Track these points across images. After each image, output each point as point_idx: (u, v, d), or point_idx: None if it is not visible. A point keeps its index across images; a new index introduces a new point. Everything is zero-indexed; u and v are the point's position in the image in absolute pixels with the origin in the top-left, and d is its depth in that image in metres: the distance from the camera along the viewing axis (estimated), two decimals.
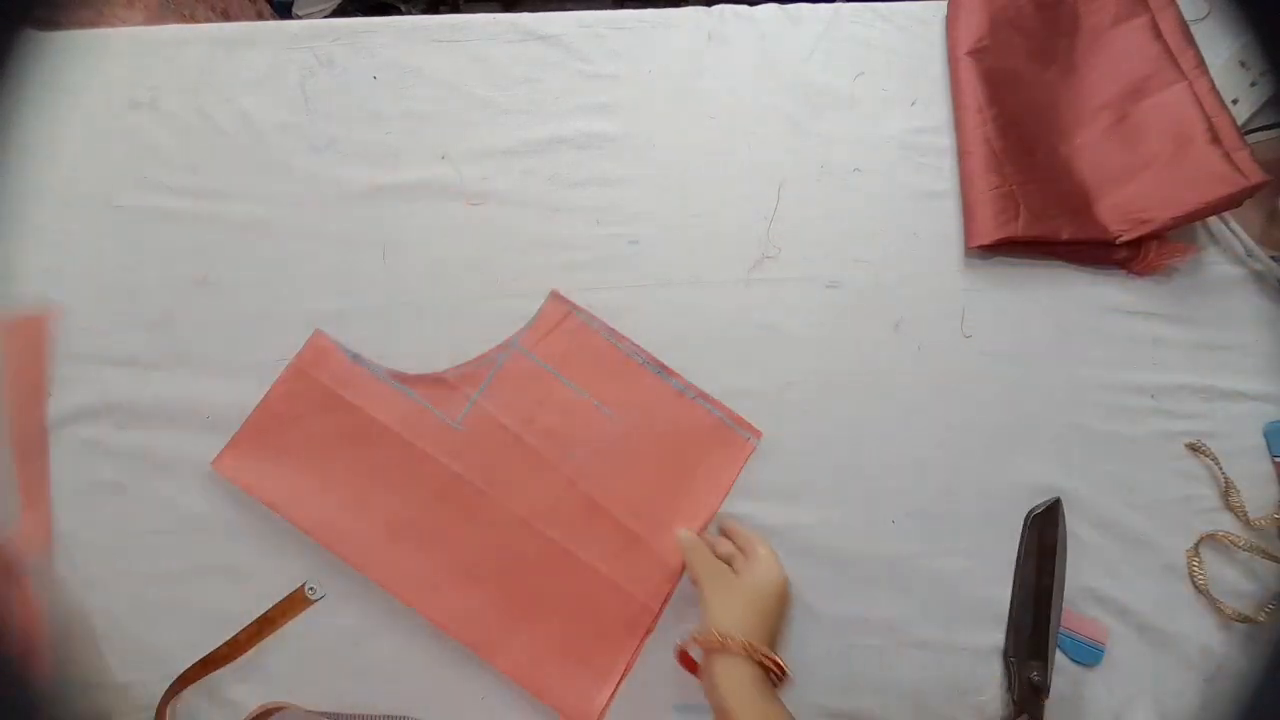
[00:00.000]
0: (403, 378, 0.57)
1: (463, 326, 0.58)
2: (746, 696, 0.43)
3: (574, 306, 0.59)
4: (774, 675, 0.46)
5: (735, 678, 0.44)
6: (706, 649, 0.46)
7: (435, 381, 0.57)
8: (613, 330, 0.58)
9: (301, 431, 0.56)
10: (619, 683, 0.53)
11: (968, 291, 0.60)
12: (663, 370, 0.58)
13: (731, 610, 0.47)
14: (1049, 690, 0.52)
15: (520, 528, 0.54)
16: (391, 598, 0.53)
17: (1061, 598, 0.55)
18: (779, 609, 0.49)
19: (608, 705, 0.52)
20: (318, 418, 0.56)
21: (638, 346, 0.58)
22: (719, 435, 0.57)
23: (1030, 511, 0.56)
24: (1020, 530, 0.56)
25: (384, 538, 0.54)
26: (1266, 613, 0.55)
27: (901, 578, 0.56)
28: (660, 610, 0.53)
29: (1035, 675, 0.53)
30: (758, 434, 0.57)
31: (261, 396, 0.56)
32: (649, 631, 0.53)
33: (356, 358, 0.57)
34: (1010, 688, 0.53)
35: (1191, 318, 0.60)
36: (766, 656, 0.45)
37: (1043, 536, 0.55)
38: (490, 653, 0.53)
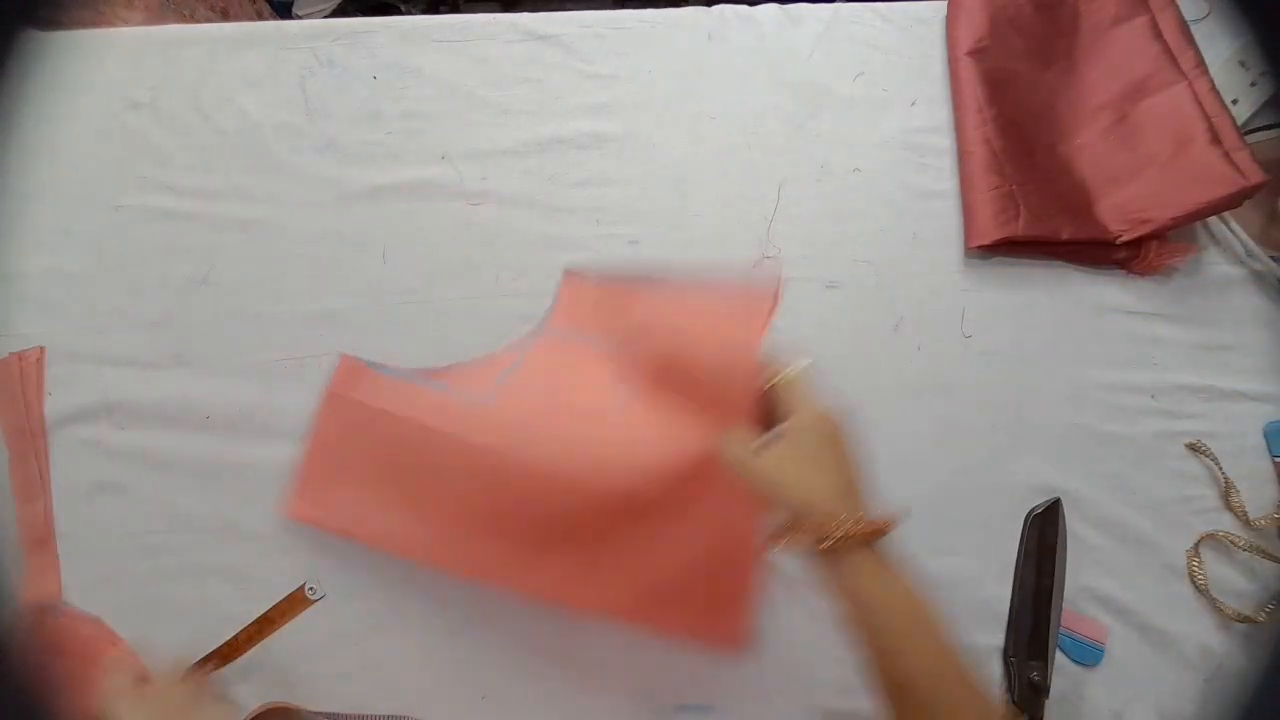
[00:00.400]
0: (435, 373, 0.56)
1: (463, 326, 0.58)
2: (877, 596, 0.37)
3: (586, 275, 0.58)
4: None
5: (854, 581, 0.37)
6: (806, 552, 0.38)
7: (467, 370, 0.56)
8: (632, 275, 0.55)
9: (354, 455, 0.55)
10: (752, 602, 0.52)
11: (968, 291, 0.60)
12: (673, 278, 0.55)
13: (790, 485, 0.38)
14: (1049, 690, 0.52)
15: (592, 487, 0.50)
16: (395, 597, 0.53)
17: (1061, 597, 0.55)
18: (835, 448, 0.40)
19: (749, 627, 0.52)
20: (366, 437, 0.55)
21: (651, 273, 0.54)
22: (740, 307, 0.50)
23: (1030, 511, 0.56)
24: (1020, 530, 0.56)
25: (463, 534, 0.53)
26: (1266, 613, 0.55)
27: None
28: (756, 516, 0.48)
29: (1035, 675, 0.53)
30: (774, 286, 0.49)
31: (260, 392, 0.56)
32: (756, 547, 0.51)
33: (381, 367, 0.56)
34: (1010, 687, 0.53)
35: (1191, 318, 0.60)
36: (866, 528, 0.37)
37: (1043, 536, 0.55)
38: (612, 611, 0.52)
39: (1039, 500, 0.57)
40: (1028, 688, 0.53)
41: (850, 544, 0.37)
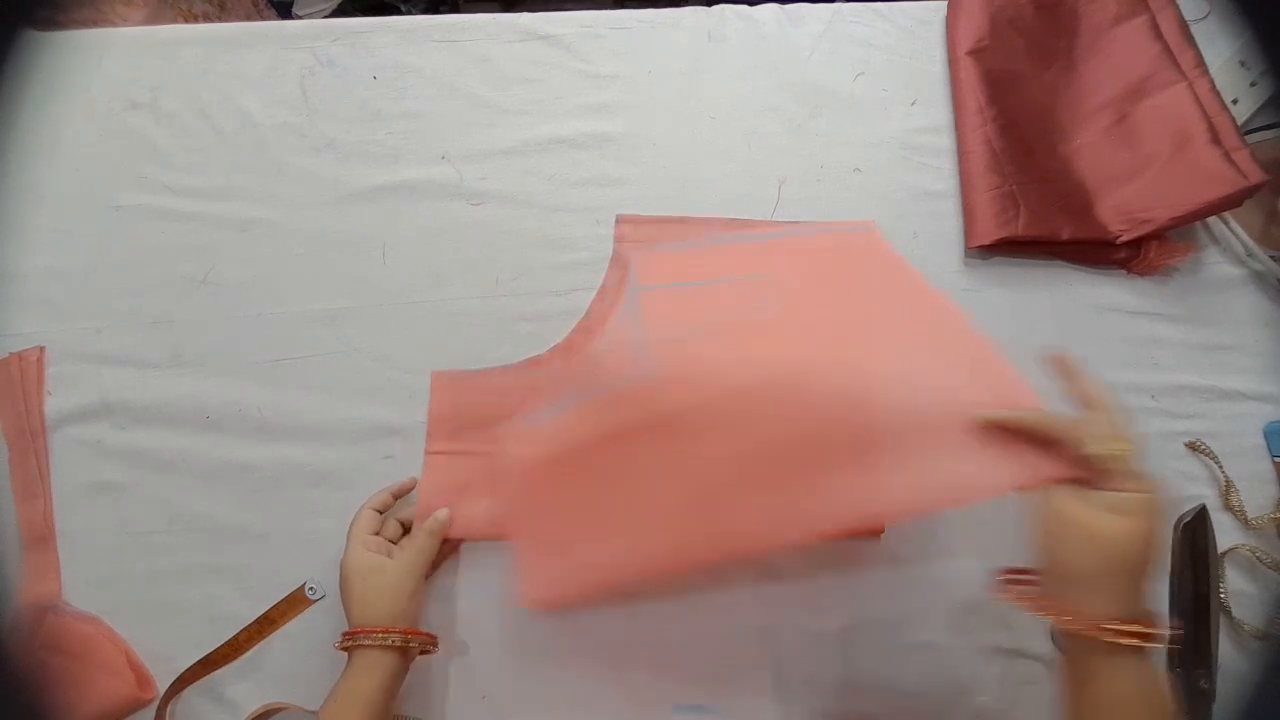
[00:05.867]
0: (551, 386, 0.53)
1: (463, 326, 0.58)
2: (1130, 698, 0.34)
3: (639, 219, 0.60)
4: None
5: (1113, 679, 0.34)
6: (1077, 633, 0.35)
7: (572, 363, 0.54)
8: (684, 219, 0.60)
9: (550, 517, 0.51)
10: None
11: (968, 291, 0.60)
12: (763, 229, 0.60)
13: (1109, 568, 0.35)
14: (1215, 694, 0.52)
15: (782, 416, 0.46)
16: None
17: (1219, 603, 0.53)
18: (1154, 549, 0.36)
19: None
20: (556, 493, 0.51)
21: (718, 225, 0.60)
22: (847, 246, 0.57)
23: (1179, 519, 0.55)
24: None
25: (707, 513, 0.47)
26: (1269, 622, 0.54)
27: (901, 578, 0.56)
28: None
29: (1203, 682, 0.52)
30: (870, 222, 0.59)
31: (260, 392, 0.56)
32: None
33: (528, 419, 0.53)
34: (1177, 695, 0.52)
35: (1191, 318, 0.60)
36: (1153, 634, 0.34)
37: (1194, 543, 0.54)
38: (884, 513, 0.48)
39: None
40: (1196, 694, 0.52)
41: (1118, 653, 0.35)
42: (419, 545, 0.50)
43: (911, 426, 0.44)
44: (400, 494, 0.54)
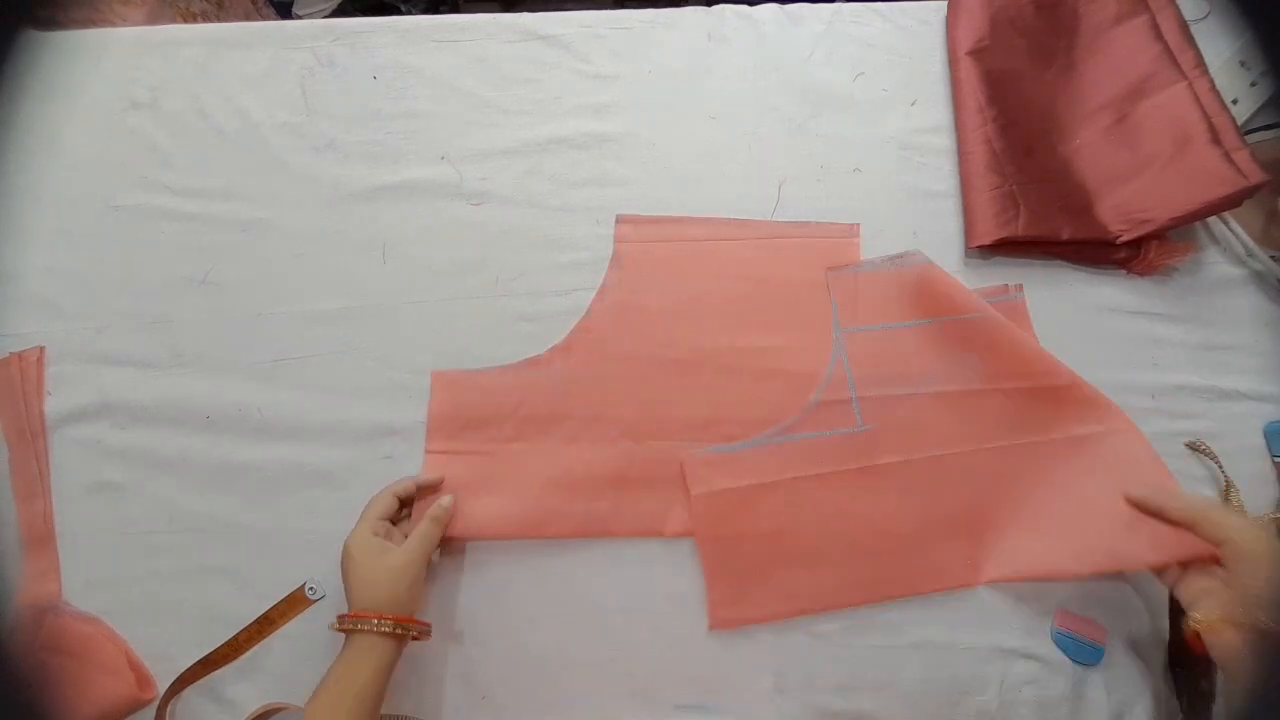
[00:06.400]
0: (785, 429, 0.56)
1: (463, 326, 0.59)
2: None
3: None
4: None
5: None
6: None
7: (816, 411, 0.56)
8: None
9: (741, 541, 0.54)
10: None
11: None
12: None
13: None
14: (1215, 694, 0.52)
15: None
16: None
17: None
18: None
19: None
20: (744, 517, 0.55)
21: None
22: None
23: None
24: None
25: (894, 554, 0.54)
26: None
27: None
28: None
29: (1203, 682, 0.52)
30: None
31: (260, 392, 0.56)
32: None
33: (728, 448, 0.56)
34: (1180, 695, 0.53)
35: (1191, 318, 0.60)
36: None
37: None
38: (1046, 572, 0.53)
39: None
40: (1196, 694, 0.52)
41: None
42: (423, 531, 0.50)
43: (1086, 499, 0.52)
44: (425, 486, 0.54)
